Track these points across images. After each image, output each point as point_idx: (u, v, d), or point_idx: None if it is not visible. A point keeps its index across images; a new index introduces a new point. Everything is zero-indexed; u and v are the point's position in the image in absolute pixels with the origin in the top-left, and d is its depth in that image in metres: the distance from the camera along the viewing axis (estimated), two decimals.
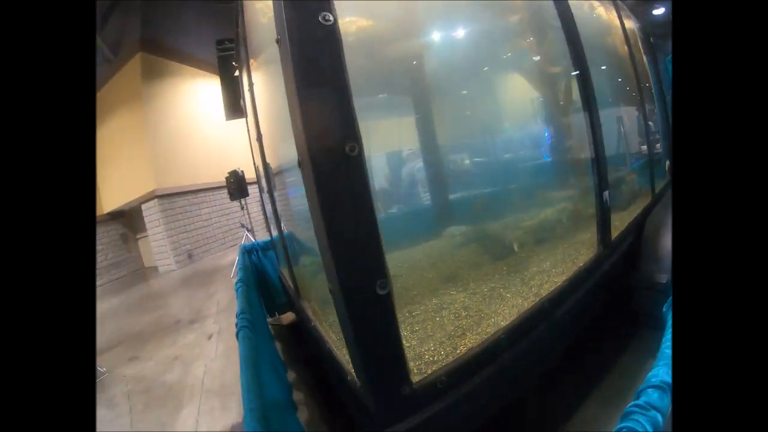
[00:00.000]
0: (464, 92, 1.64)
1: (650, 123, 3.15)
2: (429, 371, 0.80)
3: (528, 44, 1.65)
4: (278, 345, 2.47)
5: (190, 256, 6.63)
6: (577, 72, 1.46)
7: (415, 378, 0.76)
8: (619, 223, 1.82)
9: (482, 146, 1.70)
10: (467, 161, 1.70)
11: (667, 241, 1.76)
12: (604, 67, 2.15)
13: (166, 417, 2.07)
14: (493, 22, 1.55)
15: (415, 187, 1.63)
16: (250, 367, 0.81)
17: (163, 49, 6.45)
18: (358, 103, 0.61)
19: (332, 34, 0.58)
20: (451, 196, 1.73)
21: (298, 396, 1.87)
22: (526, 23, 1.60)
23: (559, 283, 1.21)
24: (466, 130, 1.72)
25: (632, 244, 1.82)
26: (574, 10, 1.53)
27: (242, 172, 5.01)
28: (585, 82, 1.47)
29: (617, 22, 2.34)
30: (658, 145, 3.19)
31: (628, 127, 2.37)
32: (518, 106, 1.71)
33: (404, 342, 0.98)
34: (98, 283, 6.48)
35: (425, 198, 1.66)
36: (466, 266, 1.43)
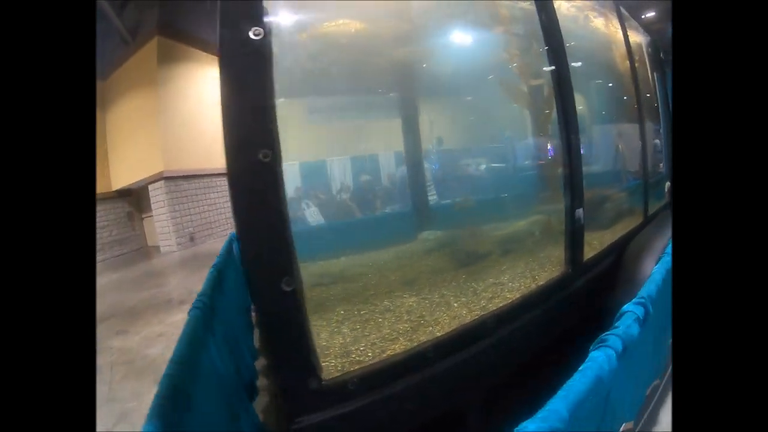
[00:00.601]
0: (450, 99, 1.64)
1: (656, 141, 3.05)
2: (352, 369, 0.83)
3: (505, 49, 1.63)
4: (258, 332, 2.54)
5: (192, 239, 6.80)
6: (557, 83, 1.44)
7: (333, 374, 0.79)
8: (598, 243, 1.80)
9: (466, 154, 1.70)
10: (448, 168, 1.71)
11: (647, 264, 1.73)
12: (597, 81, 2.11)
13: (144, 388, 2.17)
14: (464, 26, 1.53)
15: (392, 191, 1.65)
16: (183, 348, 0.84)
17: (180, 35, 6.59)
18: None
19: (261, 48, 0.61)
20: (429, 201, 1.74)
21: (263, 382, 1.93)
22: (506, 30, 1.58)
23: (511, 299, 1.22)
24: (454, 139, 1.73)
25: (611, 266, 1.79)
26: (566, 22, 1.50)
27: None
28: (564, 94, 1.44)
29: (619, 35, 2.28)
30: (662, 165, 3.09)
31: (623, 145, 2.32)
32: (500, 116, 1.70)
33: (339, 338, 1.01)
34: (100, 258, 6.71)
35: (404, 202, 1.68)
36: (428, 271, 1.44)
